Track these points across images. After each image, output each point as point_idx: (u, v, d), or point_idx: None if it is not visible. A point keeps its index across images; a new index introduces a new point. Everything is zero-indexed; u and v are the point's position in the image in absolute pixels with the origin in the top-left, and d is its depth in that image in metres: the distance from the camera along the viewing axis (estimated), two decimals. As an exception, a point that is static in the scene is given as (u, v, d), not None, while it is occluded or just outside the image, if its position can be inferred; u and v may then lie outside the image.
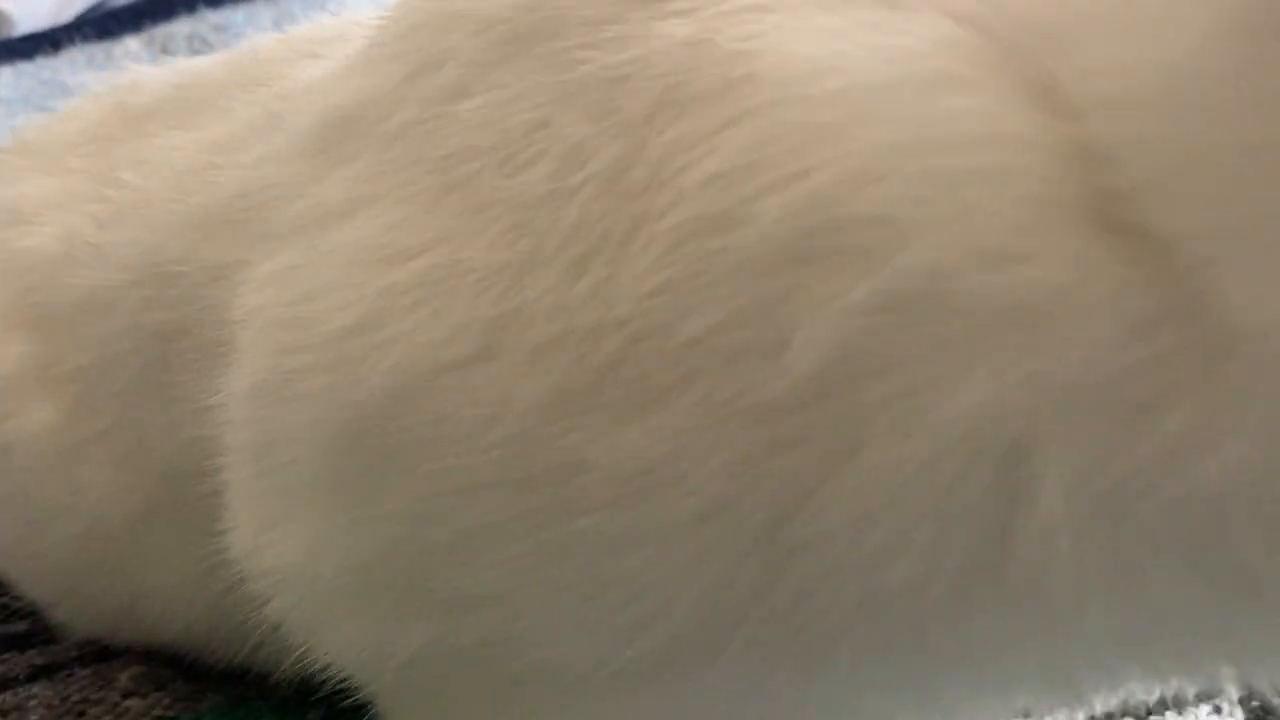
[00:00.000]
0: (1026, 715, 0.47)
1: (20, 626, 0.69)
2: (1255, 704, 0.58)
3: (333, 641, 0.48)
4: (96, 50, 1.44)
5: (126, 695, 0.63)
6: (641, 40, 0.41)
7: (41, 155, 0.70)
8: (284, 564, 0.48)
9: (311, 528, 0.47)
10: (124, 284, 0.58)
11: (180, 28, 1.49)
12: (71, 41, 1.42)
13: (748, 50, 0.39)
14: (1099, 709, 0.46)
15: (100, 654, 0.66)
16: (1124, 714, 0.57)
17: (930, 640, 0.40)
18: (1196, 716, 0.57)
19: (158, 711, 0.63)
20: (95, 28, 1.47)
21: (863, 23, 0.38)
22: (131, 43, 1.46)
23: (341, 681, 0.50)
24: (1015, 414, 0.36)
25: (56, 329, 0.63)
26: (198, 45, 1.47)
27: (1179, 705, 0.56)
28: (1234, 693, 0.55)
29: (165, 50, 1.46)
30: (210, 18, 1.50)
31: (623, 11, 0.42)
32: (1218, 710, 0.57)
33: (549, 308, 0.41)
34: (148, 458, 0.58)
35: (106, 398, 0.60)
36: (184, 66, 0.69)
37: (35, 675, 0.65)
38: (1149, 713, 0.58)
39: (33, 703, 0.63)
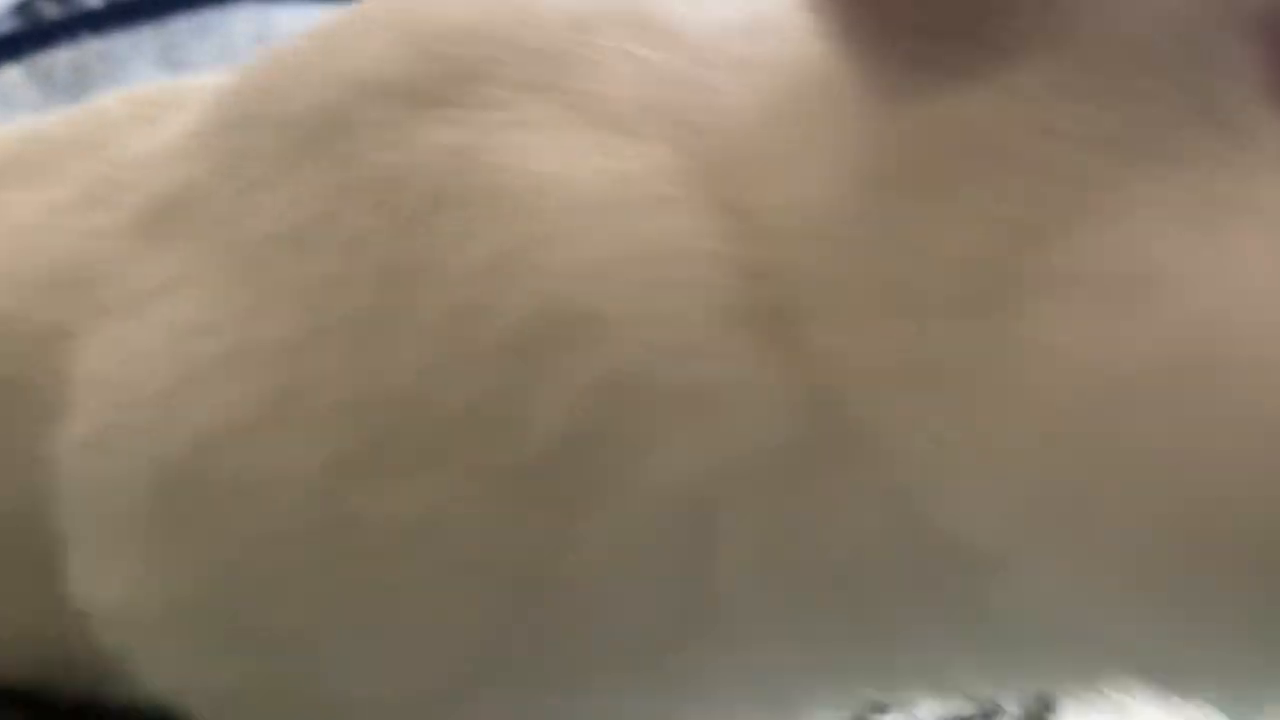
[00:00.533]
0: None
1: None
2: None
3: (160, 674, 0.54)
4: (-22, 80, 1.46)
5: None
6: (415, 144, 0.47)
7: None
8: (113, 600, 0.53)
9: (136, 567, 0.52)
10: None
11: (63, 56, 1.51)
12: (-49, 72, 1.43)
13: (500, 164, 0.46)
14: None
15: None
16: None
17: (666, 670, 0.47)
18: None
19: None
20: (-24, 57, 1.48)
21: (596, 145, 0.45)
22: (13, 72, 1.48)
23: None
24: (701, 483, 0.43)
25: None
26: (82, 75, 1.49)
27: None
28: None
29: (49, 79, 1.48)
30: (94, 46, 1.52)
31: (401, 117, 0.48)
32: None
33: (330, 381, 0.47)
34: None
35: None
36: (30, 124, 0.72)
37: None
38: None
39: None
